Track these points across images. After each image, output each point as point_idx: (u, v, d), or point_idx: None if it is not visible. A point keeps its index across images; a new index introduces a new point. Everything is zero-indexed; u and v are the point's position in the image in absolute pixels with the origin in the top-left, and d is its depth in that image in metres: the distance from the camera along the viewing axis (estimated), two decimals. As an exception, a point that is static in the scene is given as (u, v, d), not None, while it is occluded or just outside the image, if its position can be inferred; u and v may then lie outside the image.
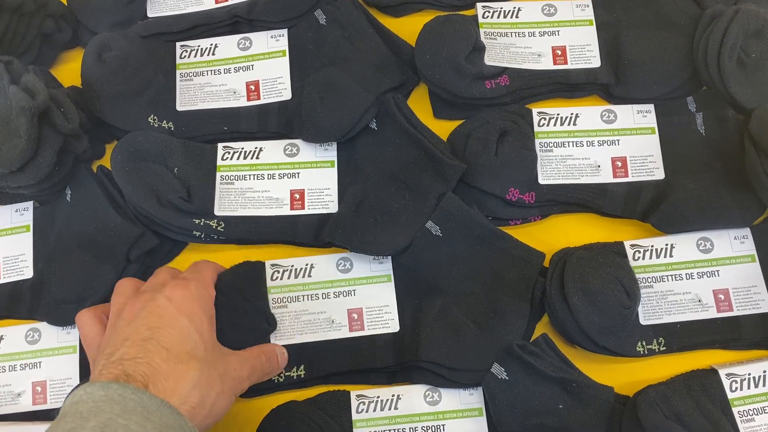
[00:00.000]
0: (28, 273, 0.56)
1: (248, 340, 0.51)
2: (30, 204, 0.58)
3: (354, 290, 0.54)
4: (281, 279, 0.54)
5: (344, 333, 0.53)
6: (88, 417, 0.37)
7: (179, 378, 0.41)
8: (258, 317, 0.53)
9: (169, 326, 0.43)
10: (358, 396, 0.52)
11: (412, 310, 0.54)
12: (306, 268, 0.55)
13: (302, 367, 0.52)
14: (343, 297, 0.54)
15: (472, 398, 0.51)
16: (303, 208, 0.57)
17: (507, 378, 0.50)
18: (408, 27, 0.62)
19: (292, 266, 0.55)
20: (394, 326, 0.53)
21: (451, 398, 0.51)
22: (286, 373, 0.52)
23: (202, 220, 0.55)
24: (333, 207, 0.57)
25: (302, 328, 0.53)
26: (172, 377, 0.41)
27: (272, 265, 0.55)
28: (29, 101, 0.50)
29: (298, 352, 0.52)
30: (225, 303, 0.51)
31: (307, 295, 0.54)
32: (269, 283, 0.54)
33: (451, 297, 0.53)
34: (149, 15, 0.63)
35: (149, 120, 0.58)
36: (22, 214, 0.58)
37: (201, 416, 0.42)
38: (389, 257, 0.55)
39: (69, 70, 0.63)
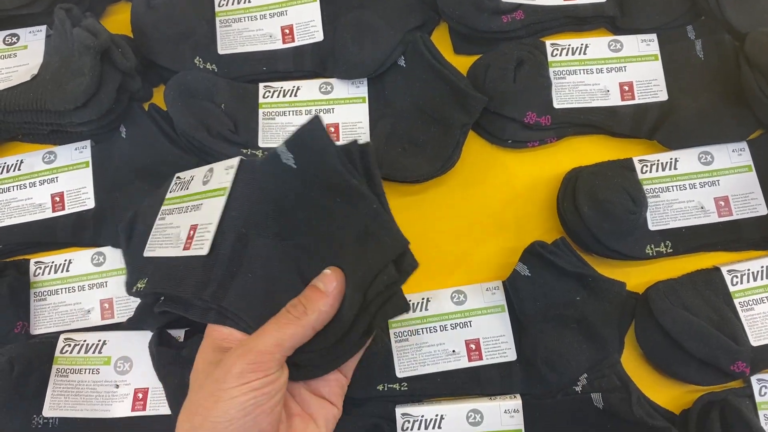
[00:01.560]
0: (90, 204, 0.62)
1: None
2: (87, 142, 0.64)
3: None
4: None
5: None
6: None
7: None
8: None
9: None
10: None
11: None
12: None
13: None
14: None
15: (495, 297, 0.57)
16: (338, 139, 0.62)
17: (529, 274, 0.55)
18: (428, -28, 0.67)
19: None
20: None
21: (476, 298, 0.57)
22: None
23: (249, 150, 0.60)
24: (365, 138, 0.62)
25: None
26: None
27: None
28: (93, 40, 0.55)
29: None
30: None
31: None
32: None
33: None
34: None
35: (195, 62, 0.63)
36: (81, 151, 0.64)
37: None
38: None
39: (116, 21, 0.69)
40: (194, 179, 0.50)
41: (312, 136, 0.41)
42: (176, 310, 0.45)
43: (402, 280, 0.41)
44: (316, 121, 0.41)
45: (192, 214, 0.47)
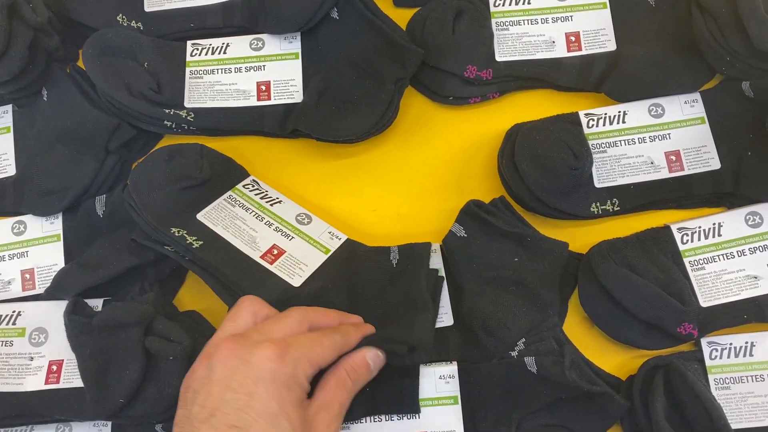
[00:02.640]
0: (11, 171, 0.59)
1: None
2: (9, 107, 0.61)
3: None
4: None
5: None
6: None
7: None
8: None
9: (256, 415, 0.38)
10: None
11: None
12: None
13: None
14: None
15: (432, 260, 0.53)
16: (269, 98, 0.59)
17: (465, 235, 0.52)
18: None
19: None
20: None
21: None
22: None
23: (173, 110, 0.57)
24: (298, 97, 0.59)
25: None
26: None
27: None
28: (-3, -6, 0.52)
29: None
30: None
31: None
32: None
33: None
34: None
35: (118, 18, 0.60)
36: (2, 116, 0.61)
37: None
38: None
39: (39, -20, 0.65)
40: (283, 203, 0.56)
41: (419, 251, 0.52)
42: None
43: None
44: (427, 246, 0.53)
45: (278, 237, 0.53)
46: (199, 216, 0.53)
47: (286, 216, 0.55)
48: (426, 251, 0.52)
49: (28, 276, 0.57)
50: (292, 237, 0.54)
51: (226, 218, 0.53)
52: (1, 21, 0.53)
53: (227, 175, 0.56)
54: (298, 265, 0.52)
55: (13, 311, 0.53)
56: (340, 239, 0.54)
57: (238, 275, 0.49)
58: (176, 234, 0.50)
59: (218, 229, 0.52)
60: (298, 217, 0.55)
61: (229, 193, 0.55)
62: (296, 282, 0.51)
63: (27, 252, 0.57)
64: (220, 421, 0.38)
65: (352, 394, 0.44)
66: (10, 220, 0.58)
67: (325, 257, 0.53)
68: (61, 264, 0.56)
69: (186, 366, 0.46)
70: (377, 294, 0.51)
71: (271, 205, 0.55)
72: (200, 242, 0.50)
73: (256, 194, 0.56)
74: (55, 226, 0.57)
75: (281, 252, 0.52)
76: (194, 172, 0.54)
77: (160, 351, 0.47)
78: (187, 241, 0.50)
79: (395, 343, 0.46)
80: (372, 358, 0.46)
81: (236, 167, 0.58)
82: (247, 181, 0.57)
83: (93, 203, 0.56)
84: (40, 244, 0.57)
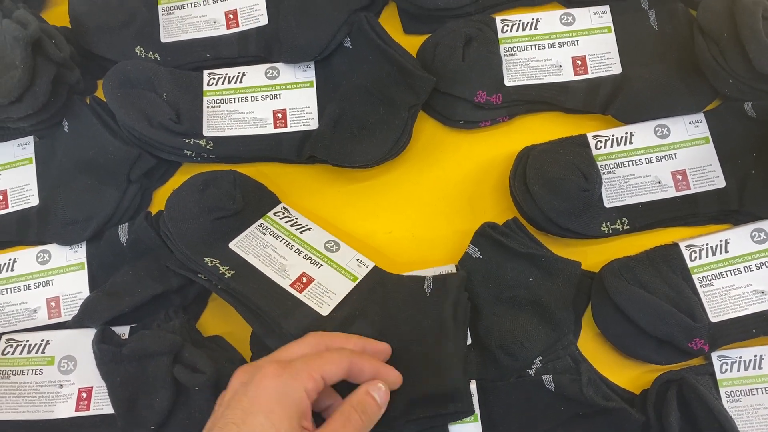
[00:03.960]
0: (34, 201, 0.60)
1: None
2: (30, 138, 0.62)
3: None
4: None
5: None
6: None
7: None
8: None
9: (247, 429, 0.40)
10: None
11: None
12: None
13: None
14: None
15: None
16: (286, 126, 0.61)
17: (481, 256, 0.54)
18: (375, -50, 0.66)
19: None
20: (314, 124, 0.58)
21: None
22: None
23: (192, 139, 0.59)
24: (314, 124, 0.61)
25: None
26: None
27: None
28: (22, 31, 0.54)
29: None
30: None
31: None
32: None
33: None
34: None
35: (136, 51, 0.62)
36: (24, 148, 0.62)
37: None
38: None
39: (57, 13, 0.67)
40: (312, 230, 0.57)
41: (455, 281, 0.53)
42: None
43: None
44: (462, 277, 0.53)
45: (307, 265, 0.54)
46: (231, 245, 0.54)
47: (315, 243, 0.56)
48: (461, 283, 0.52)
49: (53, 304, 0.58)
50: (321, 265, 0.55)
51: (257, 247, 0.55)
52: (26, 58, 0.54)
53: (259, 203, 0.58)
54: (326, 293, 0.53)
55: (42, 340, 0.54)
56: (367, 267, 0.55)
57: (269, 304, 0.51)
58: (209, 264, 0.52)
59: (250, 257, 0.54)
60: (327, 245, 0.56)
61: (261, 221, 0.57)
62: (324, 311, 0.52)
63: (52, 280, 0.59)
64: None
65: (362, 431, 0.44)
66: (35, 250, 0.60)
67: (352, 285, 0.54)
68: (86, 292, 0.58)
69: (211, 394, 0.48)
70: (408, 323, 0.52)
71: (301, 232, 0.57)
72: (232, 272, 0.52)
73: (286, 222, 0.57)
74: (78, 254, 0.59)
75: (310, 280, 0.53)
76: (227, 203, 0.55)
77: (187, 381, 0.49)
78: (220, 271, 0.51)
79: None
80: (376, 392, 0.45)
81: (268, 194, 0.59)
82: (277, 208, 0.58)
83: (116, 231, 0.58)
84: (64, 273, 0.59)
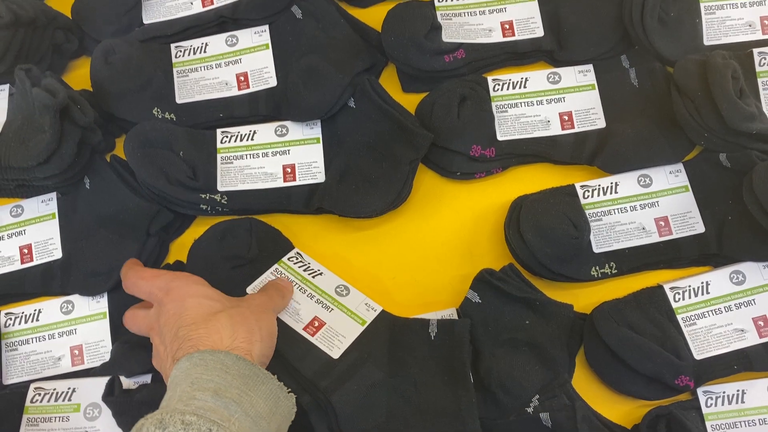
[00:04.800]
0: (57, 254, 0.64)
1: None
2: (53, 194, 0.66)
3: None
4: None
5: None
6: (179, 382, 0.45)
7: (218, 330, 0.48)
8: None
9: (185, 309, 0.50)
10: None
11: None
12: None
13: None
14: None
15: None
16: (294, 180, 0.65)
17: (480, 301, 0.58)
18: (374, 15, 0.71)
19: None
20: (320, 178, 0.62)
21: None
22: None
23: (208, 194, 0.63)
24: (321, 177, 0.65)
25: None
26: (213, 333, 0.48)
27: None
28: (51, 99, 0.58)
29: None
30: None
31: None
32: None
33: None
34: (145, 22, 0.71)
35: (154, 112, 0.66)
36: (47, 204, 0.66)
37: (257, 343, 0.50)
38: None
39: (77, 76, 0.72)
40: (323, 275, 0.61)
41: (458, 327, 0.56)
42: None
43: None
44: (466, 324, 0.56)
45: (319, 309, 0.58)
46: (249, 290, 0.58)
47: (326, 288, 0.60)
48: (465, 329, 0.56)
49: (77, 352, 0.61)
50: (332, 309, 0.58)
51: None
52: (54, 124, 0.58)
53: (274, 248, 0.62)
54: (336, 336, 0.56)
55: (69, 388, 0.58)
56: (375, 311, 0.59)
57: (283, 347, 0.54)
58: None
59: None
60: (337, 289, 0.60)
61: (276, 266, 0.60)
62: (335, 354, 0.55)
63: (75, 329, 0.62)
64: None
65: (278, 302, 0.56)
66: (59, 300, 0.63)
67: (361, 329, 0.57)
68: (108, 340, 0.61)
69: None
70: (418, 363, 0.56)
71: (313, 277, 0.60)
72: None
73: (299, 267, 0.61)
74: (101, 304, 0.62)
75: (321, 324, 0.57)
76: (243, 251, 0.60)
77: None
78: None
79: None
80: (287, 285, 0.58)
81: (282, 240, 0.63)
82: (291, 253, 0.62)
83: (136, 282, 0.61)
84: (87, 322, 0.62)
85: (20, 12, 0.64)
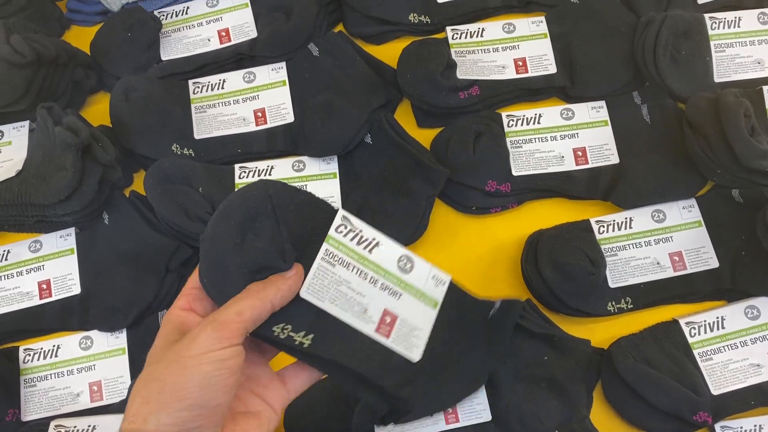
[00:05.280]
0: (76, 289, 0.64)
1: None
2: (72, 230, 0.66)
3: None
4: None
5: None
6: None
7: (129, 400, 0.38)
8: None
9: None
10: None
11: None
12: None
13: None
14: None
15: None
16: (311, 214, 0.65)
17: (499, 338, 0.58)
18: (389, 52, 0.72)
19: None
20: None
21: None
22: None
23: (227, 230, 0.63)
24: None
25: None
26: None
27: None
28: (74, 138, 0.59)
29: None
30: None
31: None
32: None
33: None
34: (163, 58, 0.73)
35: (173, 148, 0.67)
36: (66, 239, 0.66)
37: (152, 415, 0.36)
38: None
39: (95, 112, 0.72)
40: (380, 245, 0.47)
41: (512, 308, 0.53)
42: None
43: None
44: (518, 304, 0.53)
45: (386, 298, 0.47)
46: (303, 293, 0.44)
47: (388, 265, 0.47)
48: (518, 309, 0.53)
49: (95, 388, 0.61)
50: (400, 294, 0.47)
51: (330, 286, 0.45)
52: (76, 162, 0.59)
53: (314, 221, 0.46)
54: (413, 332, 0.47)
55: (89, 425, 0.58)
56: (444, 283, 0.49)
57: (359, 364, 0.45)
58: (281, 336, 0.43)
59: (326, 304, 0.45)
60: (401, 263, 0.48)
61: (325, 245, 0.45)
62: (416, 355, 0.47)
63: (94, 365, 0.62)
64: None
65: (259, 300, 0.40)
66: (78, 336, 0.63)
67: (435, 314, 0.48)
68: (127, 376, 0.61)
69: None
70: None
71: (370, 251, 0.47)
72: (310, 336, 0.44)
73: (352, 239, 0.46)
74: (119, 340, 0.62)
75: (394, 318, 0.46)
76: (276, 260, 0.43)
77: None
78: (296, 342, 0.43)
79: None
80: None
81: (320, 205, 0.46)
82: (338, 221, 0.46)
83: (155, 318, 0.62)
84: (106, 358, 0.62)
85: (42, 51, 0.65)
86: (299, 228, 0.45)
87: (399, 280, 0.47)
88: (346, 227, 0.46)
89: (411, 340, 0.47)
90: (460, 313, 0.50)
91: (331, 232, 0.46)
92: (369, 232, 0.47)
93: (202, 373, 0.37)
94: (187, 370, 0.37)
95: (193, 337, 0.38)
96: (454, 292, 0.50)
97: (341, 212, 0.46)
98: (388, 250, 0.48)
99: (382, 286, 0.47)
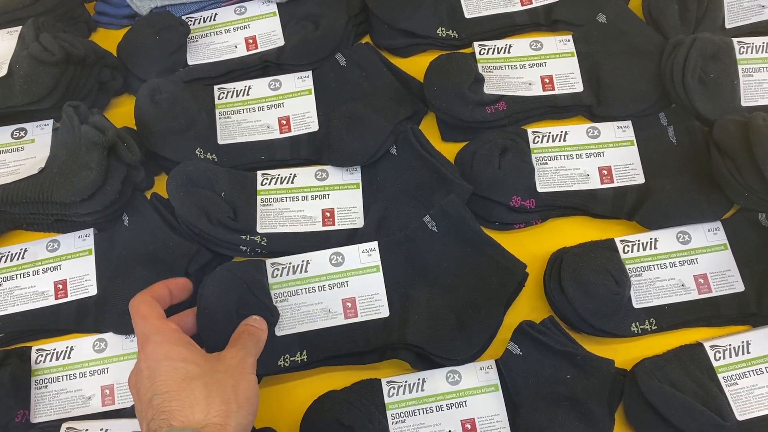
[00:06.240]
0: (92, 291, 0.64)
1: None
2: (90, 230, 0.66)
3: (347, 281, 0.61)
4: (281, 276, 0.61)
5: (340, 320, 0.60)
6: None
7: (191, 403, 0.46)
8: (262, 311, 0.58)
9: (158, 374, 0.48)
10: (388, 382, 0.58)
11: (400, 298, 0.60)
12: (302, 264, 0.62)
13: (304, 353, 0.58)
14: (337, 288, 0.61)
15: (489, 376, 0.58)
16: (333, 224, 0.65)
17: (521, 353, 0.57)
18: (415, 65, 0.72)
19: (290, 263, 0.62)
20: (384, 312, 0.60)
21: (470, 377, 0.58)
22: (291, 358, 0.58)
23: (248, 236, 0.63)
24: (359, 223, 0.65)
25: (302, 318, 0.60)
26: (186, 406, 0.46)
27: (272, 263, 0.61)
28: (100, 137, 0.59)
29: (299, 340, 0.59)
30: (231, 297, 0.57)
31: (305, 289, 0.61)
32: (270, 280, 0.61)
33: (437, 289, 0.60)
34: (189, 63, 0.73)
35: (196, 152, 0.67)
36: (84, 239, 0.66)
37: (234, 412, 0.46)
38: (376, 251, 0.62)
39: (118, 113, 0.72)
40: (311, 263, 0.62)
41: (451, 207, 0.61)
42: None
43: (520, 290, 0.61)
44: (453, 198, 0.61)
45: (337, 291, 0.61)
46: (278, 332, 0.59)
47: (322, 271, 0.61)
48: (455, 201, 0.62)
49: (108, 392, 0.60)
50: (346, 282, 0.61)
51: (294, 315, 0.60)
52: (101, 161, 0.59)
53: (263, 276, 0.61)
54: (373, 298, 0.60)
55: (101, 429, 0.57)
56: (374, 249, 0.62)
57: (349, 347, 0.59)
58: (285, 365, 0.58)
59: (300, 327, 0.59)
60: (332, 261, 0.62)
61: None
62: (384, 312, 0.59)
63: (107, 368, 0.61)
64: None
65: (254, 348, 0.54)
66: (92, 338, 0.62)
67: (381, 275, 0.61)
68: (140, 380, 0.60)
69: None
70: (445, 262, 0.62)
71: (305, 270, 0.61)
72: (304, 353, 0.58)
73: (286, 273, 0.61)
74: (134, 343, 0.61)
75: (353, 301, 0.60)
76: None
77: None
78: (298, 362, 0.58)
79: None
80: (252, 321, 0.56)
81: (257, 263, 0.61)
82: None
83: (172, 322, 0.61)
84: (120, 361, 0.61)
85: (72, 50, 0.65)
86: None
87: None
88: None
89: (375, 306, 0.60)
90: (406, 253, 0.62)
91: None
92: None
93: (256, 385, 0.51)
94: (251, 381, 0.50)
95: (242, 362, 0.51)
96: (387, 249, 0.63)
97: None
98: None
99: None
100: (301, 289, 0.61)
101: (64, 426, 0.57)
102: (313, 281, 0.61)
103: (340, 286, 0.61)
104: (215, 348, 0.55)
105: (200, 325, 0.57)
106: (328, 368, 0.60)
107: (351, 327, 0.59)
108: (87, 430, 0.56)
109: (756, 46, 0.67)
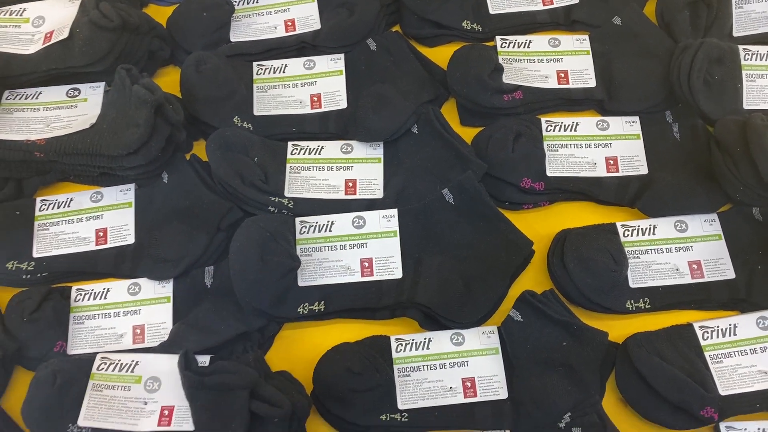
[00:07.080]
0: (130, 240, 0.69)
1: (274, 274, 0.62)
2: (132, 185, 0.71)
3: (366, 243, 0.66)
4: (308, 233, 0.67)
5: (357, 278, 0.65)
6: None
7: None
8: (284, 256, 0.63)
9: None
10: (396, 339, 0.63)
11: (414, 262, 0.65)
12: (327, 224, 0.67)
13: (322, 303, 0.64)
14: (357, 248, 0.66)
15: (490, 340, 0.63)
16: (355, 194, 0.70)
17: (521, 320, 0.62)
18: (440, 54, 0.77)
19: (317, 222, 0.67)
20: (398, 273, 0.65)
21: (473, 340, 0.63)
22: (310, 307, 0.63)
23: (277, 198, 0.68)
24: (379, 194, 0.70)
25: (323, 273, 0.65)
26: None
27: (300, 221, 0.67)
28: (150, 96, 0.64)
29: (319, 291, 0.64)
30: (256, 243, 0.62)
31: (328, 246, 0.66)
32: (298, 235, 0.66)
33: (448, 257, 0.65)
34: (232, 39, 0.78)
35: (234, 120, 0.72)
36: (125, 193, 0.71)
37: None
38: (395, 217, 0.67)
39: (163, 83, 0.77)
40: (335, 224, 0.67)
41: (468, 183, 0.66)
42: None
43: (525, 265, 0.66)
44: (470, 175, 0.66)
45: (359, 251, 0.66)
46: (300, 283, 0.65)
47: (344, 232, 0.67)
48: (471, 177, 0.67)
49: (138, 331, 0.65)
50: (366, 243, 0.66)
51: (316, 269, 0.65)
52: (149, 118, 0.64)
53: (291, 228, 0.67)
54: (389, 261, 0.65)
55: (132, 360, 0.62)
56: (394, 216, 0.68)
57: (362, 302, 0.64)
58: (304, 312, 0.63)
59: (321, 280, 0.65)
60: (355, 224, 0.67)
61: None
62: (398, 274, 0.65)
63: (140, 310, 0.66)
64: None
65: None
66: (127, 282, 0.68)
67: (397, 240, 0.67)
68: (169, 322, 0.65)
69: (286, 424, 0.56)
70: (457, 233, 0.67)
71: (330, 230, 0.67)
72: (322, 303, 0.64)
73: (313, 232, 0.67)
74: (166, 289, 0.67)
75: (370, 261, 0.65)
76: (290, 261, 0.63)
77: (266, 414, 0.55)
78: (316, 311, 0.64)
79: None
80: None
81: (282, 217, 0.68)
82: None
83: (201, 272, 0.66)
84: (151, 304, 0.66)
85: (128, 18, 0.71)
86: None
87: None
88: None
89: (390, 268, 0.65)
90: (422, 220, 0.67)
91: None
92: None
93: None
94: None
95: None
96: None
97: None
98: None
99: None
100: (325, 246, 0.66)
101: (99, 355, 0.62)
102: (335, 240, 0.66)
103: (360, 247, 0.66)
104: (246, 292, 0.61)
105: (232, 271, 0.62)
106: (342, 321, 0.65)
107: (366, 284, 0.64)
108: (119, 360, 0.61)
109: (760, 54, 0.72)
